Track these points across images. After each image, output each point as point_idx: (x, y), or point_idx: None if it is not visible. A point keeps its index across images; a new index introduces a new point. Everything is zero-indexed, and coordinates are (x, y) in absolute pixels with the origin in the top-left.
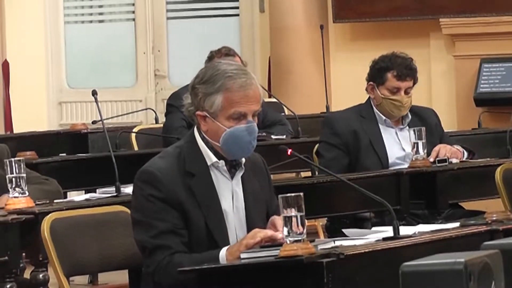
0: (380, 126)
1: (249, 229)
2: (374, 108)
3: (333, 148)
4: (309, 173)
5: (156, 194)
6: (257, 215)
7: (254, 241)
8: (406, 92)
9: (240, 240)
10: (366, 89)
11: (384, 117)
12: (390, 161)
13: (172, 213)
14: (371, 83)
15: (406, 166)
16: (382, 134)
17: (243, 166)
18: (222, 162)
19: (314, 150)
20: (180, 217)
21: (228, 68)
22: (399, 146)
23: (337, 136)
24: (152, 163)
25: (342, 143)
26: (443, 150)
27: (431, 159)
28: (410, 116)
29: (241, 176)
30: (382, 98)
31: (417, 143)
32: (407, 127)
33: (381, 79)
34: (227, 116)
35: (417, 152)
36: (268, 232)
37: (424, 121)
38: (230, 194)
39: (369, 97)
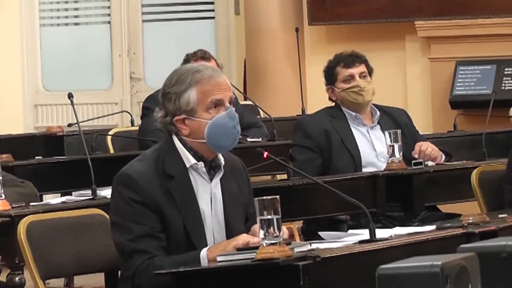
0: (351, 125)
1: (227, 231)
2: (343, 108)
3: (305, 150)
4: (285, 176)
5: (135, 197)
6: (236, 218)
7: (243, 243)
8: (362, 78)
9: (228, 241)
10: (329, 97)
11: (354, 113)
12: (363, 160)
13: (151, 216)
14: (328, 86)
15: (380, 165)
16: (354, 133)
17: (222, 168)
18: (201, 164)
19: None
20: (158, 220)
21: (193, 66)
22: (371, 145)
23: (309, 138)
24: (130, 166)
25: (314, 145)
26: (425, 145)
27: (415, 155)
28: (378, 112)
29: (220, 179)
30: (341, 92)
31: (393, 146)
32: (379, 126)
33: (333, 76)
34: (206, 108)
35: (393, 154)
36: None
37: (395, 120)
38: (209, 197)
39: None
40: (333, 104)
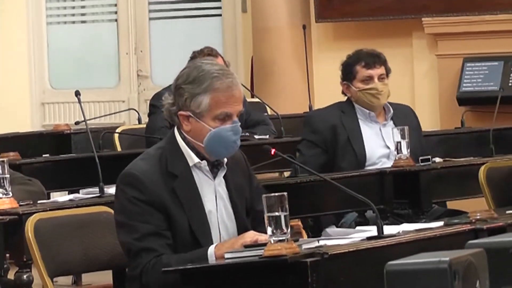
0: (362, 122)
1: (238, 226)
2: (355, 104)
3: (312, 145)
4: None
5: (139, 196)
6: (244, 211)
7: (250, 240)
8: (380, 80)
9: (236, 239)
10: (343, 91)
11: (367, 111)
12: (370, 159)
13: (156, 215)
14: (344, 82)
15: (390, 164)
16: (363, 131)
17: (225, 165)
18: (204, 163)
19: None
20: (163, 219)
21: (213, 69)
22: (383, 144)
23: (316, 133)
24: (134, 165)
25: (320, 140)
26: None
27: None
28: (392, 110)
29: (225, 175)
30: (358, 92)
31: (400, 142)
32: (392, 123)
33: (351, 74)
34: (214, 117)
35: (400, 151)
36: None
37: (406, 118)
38: (213, 194)
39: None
40: (345, 98)
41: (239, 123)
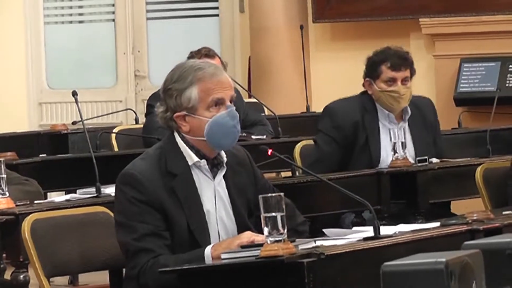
0: (381, 123)
1: (238, 226)
2: (376, 104)
3: (331, 141)
4: (289, 173)
5: (138, 196)
6: (245, 211)
7: (247, 241)
8: (403, 83)
9: (232, 239)
10: (364, 86)
11: (387, 112)
12: (383, 162)
13: (155, 215)
14: (367, 79)
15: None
16: (381, 132)
17: (225, 165)
18: (203, 162)
19: (295, 150)
20: (162, 219)
21: (195, 63)
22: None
23: (338, 129)
24: (133, 165)
25: (341, 137)
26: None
27: None
28: (410, 112)
29: (225, 175)
30: (379, 92)
31: (397, 143)
32: (407, 124)
33: (376, 72)
34: (207, 106)
35: (397, 151)
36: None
37: (423, 116)
38: (212, 194)
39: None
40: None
41: (234, 107)
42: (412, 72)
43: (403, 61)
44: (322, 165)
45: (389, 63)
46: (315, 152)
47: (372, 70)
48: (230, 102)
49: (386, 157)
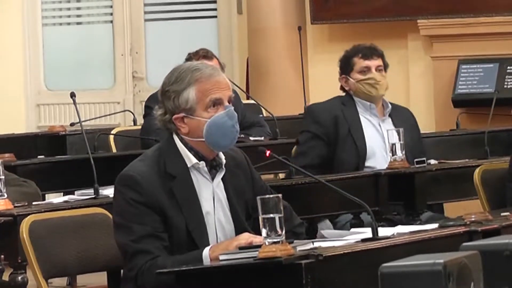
0: (362, 115)
1: (236, 228)
2: (355, 98)
3: (312, 136)
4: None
5: (137, 198)
6: (243, 213)
7: (245, 242)
8: (378, 71)
9: (230, 240)
10: (341, 86)
11: (368, 103)
12: (371, 150)
13: (153, 217)
14: (343, 76)
15: (388, 160)
16: (363, 123)
17: (223, 167)
18: (202, 163)
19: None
20: (160, 221)
21: (192, 64)
22: (381, 138)
23: (318, 124)
24: (132, 166)
25: (322, 132)
26: None
27: None
28: (390, 106)
29: (223, 177)
30: (356, 83)
31: (395, 144)
32: (390, 120)
33: (349, 66)
34: (205, 107)
35: (395, 153)
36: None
37: (405, 118)
38: (211, 196)
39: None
40: (344, 93)
41: (232, 107)
42: (385, 64)
43: (373, 50)
44: (305, 158)
45: (360, 54)
46: (297, 148)
47: (345, 65)
48: (229, 102)
49: (373, 145)
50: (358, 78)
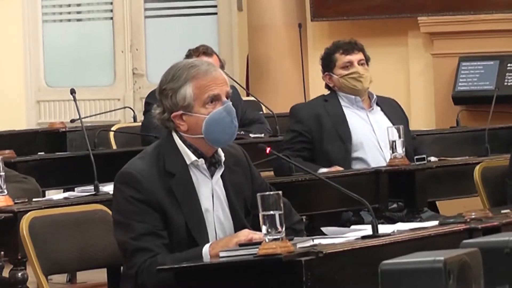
0: (348, 109)
1: (235, 225)
2: (340, 93)
3: (293, 133)
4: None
5: (136, 195)
6: (242, 210)
7: (245, 239)
8: (360, 64)
9: (230, 237)
10: (326, 85)
11: (353, 96)
12: (357, 142)
13: (153, 215)
14: (326, 73)
15: (380, 151)
16: (348, 116)
17: (222, 164)
18: (201, 161)
19: None
20: (160, 218)
21: (189, 61)
22: (371, 130)
23: (300, 122)
24: (131, 164)
25: (304, 129)
26: None
27: None
28: (375, 96)
29: (222, 174)
30: (340, 78)
31: (396, 141)
32: (379, 108)
33: (331, 63)
34: (203, 103)
35: (395, 150)
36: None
37: (394, 110)
38: (210, 193)
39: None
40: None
41: (230, 103)
42: (367, 58)
43: (353, 45)
44: (289, 151)
45: (341, 49)
46: (283, 147)
47: (327, 63)
48: (227, 97)
49: (360, 137)
50: (342, 73)
